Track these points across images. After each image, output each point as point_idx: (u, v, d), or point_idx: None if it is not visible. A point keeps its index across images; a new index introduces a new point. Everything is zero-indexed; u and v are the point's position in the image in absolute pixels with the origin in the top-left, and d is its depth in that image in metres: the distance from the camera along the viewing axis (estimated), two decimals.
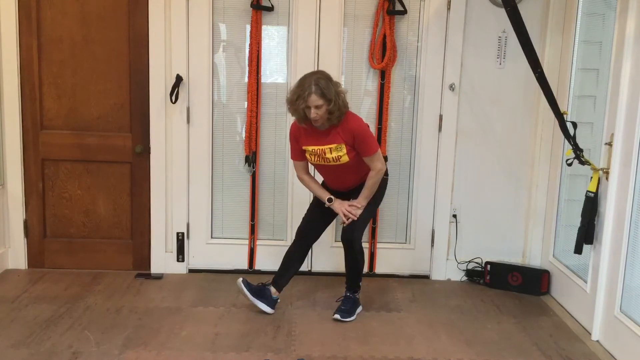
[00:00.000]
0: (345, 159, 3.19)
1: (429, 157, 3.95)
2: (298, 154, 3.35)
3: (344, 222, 3.28)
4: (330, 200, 3.31)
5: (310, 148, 3.24)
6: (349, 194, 3.35)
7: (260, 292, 3.40)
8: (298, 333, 3.19)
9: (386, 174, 3.38)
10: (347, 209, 3.26)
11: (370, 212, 3.40)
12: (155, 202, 3.94)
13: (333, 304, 3.53)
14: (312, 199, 3.55)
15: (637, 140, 2.91)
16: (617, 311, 3.05)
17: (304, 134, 3.26)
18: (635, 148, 2.92)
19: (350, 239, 3.33)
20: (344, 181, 3.34)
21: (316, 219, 3.46)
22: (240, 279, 3.39)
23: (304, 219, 3.50)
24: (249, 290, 3.36)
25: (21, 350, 2.91)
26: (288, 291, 3.72)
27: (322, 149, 3.20)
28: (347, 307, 3.41)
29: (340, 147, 3.18)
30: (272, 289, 3.43)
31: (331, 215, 3.43)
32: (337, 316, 3.36)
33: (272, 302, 3.41)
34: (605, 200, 3.16)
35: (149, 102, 3.83)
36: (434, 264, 4.07)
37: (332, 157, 3.19)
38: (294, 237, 3.53)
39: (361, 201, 3.28)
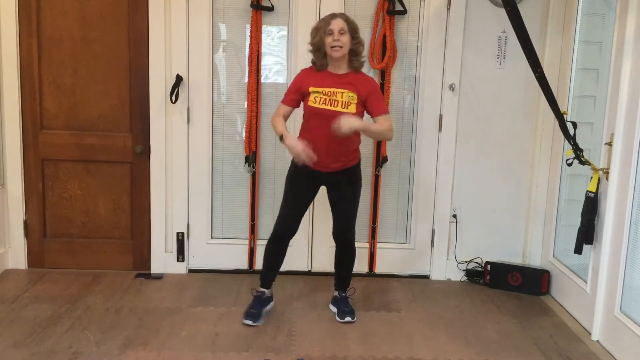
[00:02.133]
0: (352, 108, 3.07)
1: (429, 157, 3.95)
2: (291, 100, 3.19)
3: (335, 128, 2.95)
4: (281, 138, 3.08)
5: (320, 89, 3.10)
6: (332, 178, 3.21)
7: (260, 305, 3.34)
8: (298, 333, 3.20)
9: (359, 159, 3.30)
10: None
11: (357, 205, 3.32)
12: (155, 202, 3.94)
13: None
14: (291, 186, 3.30)
15: (637, 140, 2.91)
16: (617, 311, 3.05)
17: (317, 77, 3.14)
18: (635, 148, 2.92)
19: (349, 236, 3.33)
20: (334, 145, 3.08)
21: (294, 214, 3.28)
22: (244, 320, 3.26)
23: (282, 215, 3.29)
24: (256, 319, 3.27)
25: (21, 350, 2.91)
26: (288, 291, 3.73)
27: (334, 91, 3.09)
28: (350, 308, 3.41)
29: (352, 95, 3.08)
30: (266, 291, 3.40)
31: (307, 202, 3.33)
32: (349, 318, 3.34)
33: (271, 298, 3.44)
34: (605, 200, 3.16)
35: (149, 102, 3.83)
36: (434, 264, 4.07)
37: (342, 102, 3.07)
38: (272, 237, 3.33)
39: (357, 121, 2.97)
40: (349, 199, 3.29)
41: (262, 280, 3.41)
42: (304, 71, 3.25)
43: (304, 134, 3.21)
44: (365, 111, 3.17)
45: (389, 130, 3.14)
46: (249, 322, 3.25)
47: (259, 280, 3.46)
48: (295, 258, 3.90)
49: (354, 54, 3.13)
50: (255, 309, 3.30)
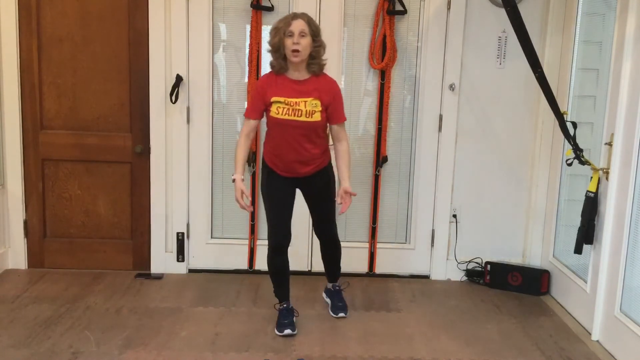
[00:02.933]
0: (317, 117, 2.97)
1: (429, 157, 3.95)
2: (257, 112, 3.04)
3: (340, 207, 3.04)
4: (233, 180, 3.02)
5: (282, 99, 2.96)
6: (307, 182, 3.16)
7: (289, 314, 3.22)
8: (298, 333, 3.19)
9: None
10: (345, 198, 3.03)
11: (334, 202, 3.22)
12: (155, 202, 3.94)
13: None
14: (269, 196, 3.18)
15: (637, 140, 2.91)
16: (617, 311, 3.05)
17: (278, 85, 2.99)
18: (635, 148, 2.92)
19: (334, 238, 3.35)
20: (302, 151, 3.04)
21: (284, 220, 3.17)
22: (284, 332, 3.12)
23: (273, 225, 3.16)
24: (293, 327, 3.16)
25: (21, 350, 2.91)
26: None
27: (296, 101, 2.96)
28: (344, 303, 3.45)
29: (316, 102, 2.97)
30: (289, 303, 3.28)
31: (291, 206, 3.20)
32: (342, 314, 3.39)
33: (293, 309, 3.32)
34: (605, 200, 3.16)
35: (149, 102, 3.84)
36: (434, 264, 4.07)
37: (306, 111, 2.95)
38: (272, 250, 3.19)
39: (348, 184, 3.05)
40: (326, 199, 3.24)
41: (279, 296, 3.26)
42: (263, 80, 3.07)
43: (270, 142, 3.13)
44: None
45: (348, 148, 3.14)
46: (289, 331, 3.11)
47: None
48: (295, 258, 3.87)
49: (312, 57, 2.96)
50: (287, 319, 3.18)
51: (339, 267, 3.49)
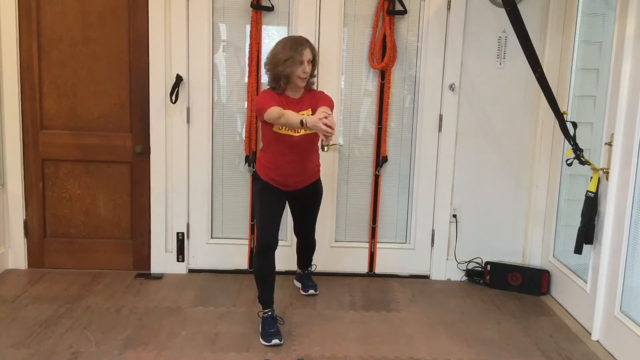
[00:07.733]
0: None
1: (429, 157, 3.95)
2: (274, 103, 3.05)
3: (324, 141, 2.91)
4: (302, 122, 2.86)
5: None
6: (297, 193, 3.30)
7: (274, 322, 3.14)
8: (298, 333, 3.20)
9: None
10: (325, 121, 2.79)
11: (319, 209, 3.50)
12: (155, 202, 3.94)
13: (333, 304, 3.56)
14: (262, 199, 3.24)
15: (637, 140, 2.91)
16: (617, 311, 3.05)
17: (279, 102, 3.10)
18: (635, 148, 2.92)
19: (312, 240, 3.62)
20: (299, 163, 3.20)
21: (276, 223, 3.21)
22: (271, 342, 3.04)
23: (265, 225, 3.17)
24: (280, 336, 3.07)
25: (21, 350, 2.91)
26: (288, 291, 3.74)
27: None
28: (313, 282, 3.74)
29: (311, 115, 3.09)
30: (273, 309, 3.20)
31: (282, 213, 3.29)
32: (312, 291, 3.69)
33: (277, 316, 3.25)
34: (605, 200, 3.16)
35: (149, 102, 3.84)
36: (434, 264, 4.07)
37: None
38: (259, 252, 3.16)
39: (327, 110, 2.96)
40: (313, 210, 3.47)
41: (264, 301, 3.19)
42: (268, 91, 3.17)
43: (267, 157, 3.23)
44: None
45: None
46: (276, 341, 3.03)
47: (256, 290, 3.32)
48: (295, 258, 3.89)
49: (311, 75, 3.17)
50: (274, 328, 3.10)
51: (311, 259, 3.78)
